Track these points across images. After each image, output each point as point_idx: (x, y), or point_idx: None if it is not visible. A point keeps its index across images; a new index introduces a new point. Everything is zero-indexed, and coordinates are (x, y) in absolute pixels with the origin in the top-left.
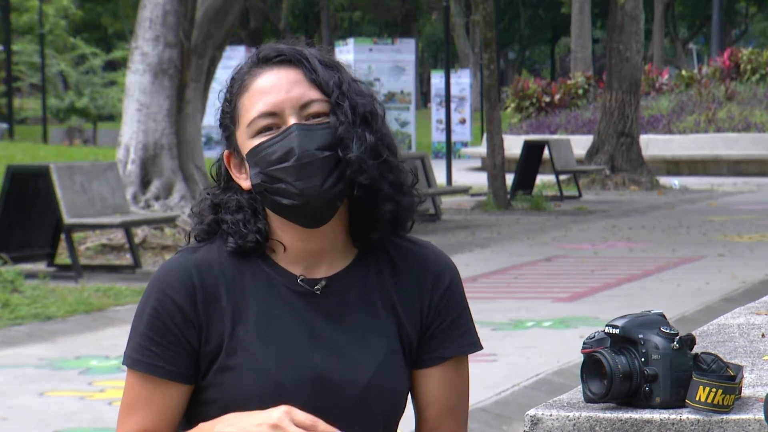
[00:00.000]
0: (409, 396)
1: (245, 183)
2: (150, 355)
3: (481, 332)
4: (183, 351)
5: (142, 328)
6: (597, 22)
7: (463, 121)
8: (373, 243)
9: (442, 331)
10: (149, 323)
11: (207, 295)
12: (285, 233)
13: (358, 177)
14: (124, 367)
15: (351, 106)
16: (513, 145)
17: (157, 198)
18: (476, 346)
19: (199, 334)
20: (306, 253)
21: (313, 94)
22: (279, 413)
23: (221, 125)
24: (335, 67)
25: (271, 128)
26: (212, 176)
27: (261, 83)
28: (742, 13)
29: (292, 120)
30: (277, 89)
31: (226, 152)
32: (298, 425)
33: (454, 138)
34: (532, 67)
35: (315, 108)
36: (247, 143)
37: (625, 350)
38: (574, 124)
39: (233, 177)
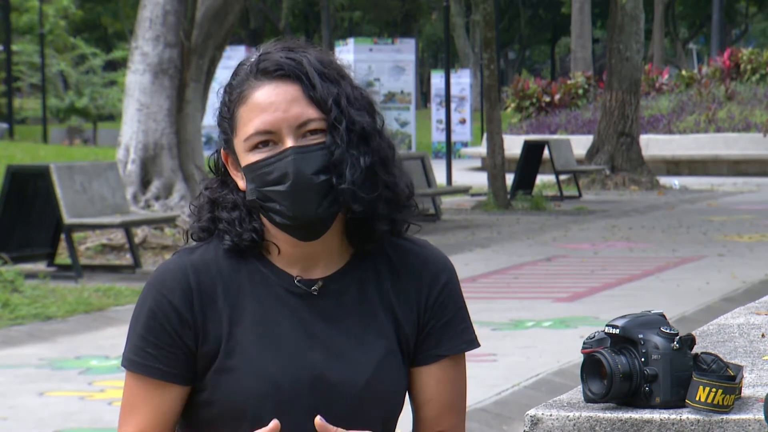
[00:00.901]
0: (407, 394)
1: (241, 183)
2: (146, 356)
3: (481, 332)
4: (179, 352)
5: (138, 329)
6: (597, 22)
7: (463, 121)
8: (369, 250)
9: (439, 329)
10: (146, 325)
11: (203, 296)
12: (279, 238)
13: (351, 205)
14: (124, 368)
15: (348, 127)
16: (513, 145)
17: (157, 198)
18: (473, 344)
19: (195, 336)
20: (301, 255)
21: (311, 112)
22: None
23: (219, 126)
24: (335, 80)
25: (267, 143)
26: (210, 168)
27: (259, 98)
28: (742, 13)
29: (288, 140)
30: (274, 107)
31: (223, 152)
32: None
33: (454, 138)
34: (532, 67)
35: (312, 126)
36: (243, 156)
37: (625, 350)
38: (574, 124)
39: (231, 173)
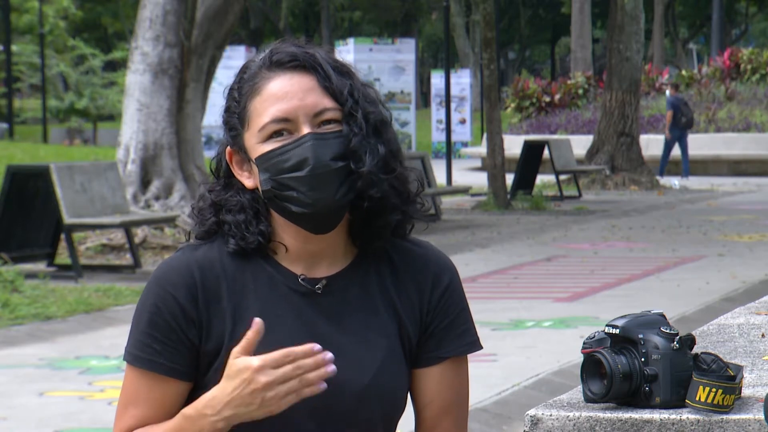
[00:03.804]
0: (409, 395)
1: (248, 182)
2: (150, 351)
3: (481, 332)
4: (183, 348)
5: (142, 325)
6: (597, 22)
7: (463, 121)
8: (375, 248)
9: (441, 330)
10: (150, 320)
11: (208, 293)
12: (287, 234)
13: (369, 191)
14: (125, 365)
15: (364, 116)
16: (513, 145)
17: (157, 198)
18: (475, 345)
19: (199, 332)
20: (307, 253)
21: (327, 102)
22: (259, 375)
23: (227, 123)
24: (347, 73)
25: (282, 133)
26: (211, 171)
27: (274, 88)
28: (742, 13)
29: (305, 128)
30: (290, 96)
31: (228, 149)
32: (278, 366)
33: (454, 138)
34: (532, 67)
35: (328, 116)
36: (256, 147)
37: (625, 350)
38: (574, 124)
39: (235, 174)
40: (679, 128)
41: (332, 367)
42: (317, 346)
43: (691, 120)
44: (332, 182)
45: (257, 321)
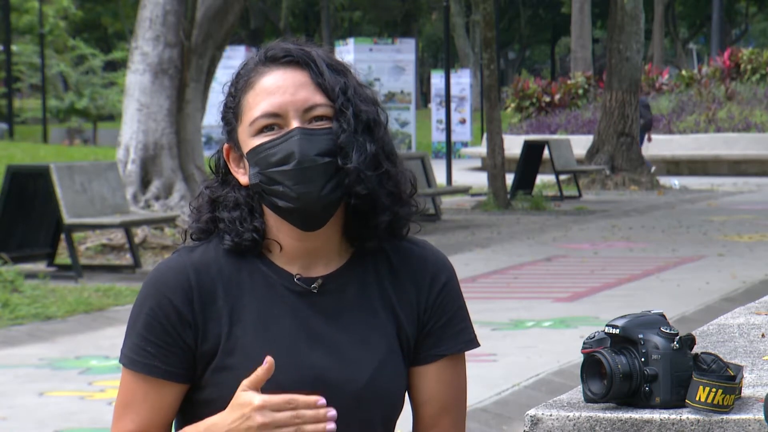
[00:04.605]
0: (407, 394)
1: (243, 178)
2: (146, 355)
3: (481, 332)
4: (179, 351)
5: (138, 328)
6: (597, 22)
7: (463, 121)
8: (369, 248)
9: (439, 328)
10: (146, 323)
11: (204, 295)
12: (281, 232)
13: (356, 187)
14: (122, 365)
15: (354, 114)
16: (513, 145)
17: (157, 198)
18: (473, 343)
19: (195, 335)
20: (302, 252)
21: (318, 98)
22: (257, 414)
23: (223, 119)
24: (342, 71)
25: (272, 128)
26: (210, 168)
27: (266, 83)
28: (742, 13)
29: (294, 123)
30: (282, 90)
31: (226, 146)
32: (279, 410)
33: (454, 138)
34: (532, 67)
35: (318, 112)
36: (247, 141)
37: (625, 350)
38: (574, 124)
39: (231, 171)
40: (639, 129)
41: (332, 425)
42: (322, 400)
43: (650, 122)
44: (318, 177)
45: (269, 359)
